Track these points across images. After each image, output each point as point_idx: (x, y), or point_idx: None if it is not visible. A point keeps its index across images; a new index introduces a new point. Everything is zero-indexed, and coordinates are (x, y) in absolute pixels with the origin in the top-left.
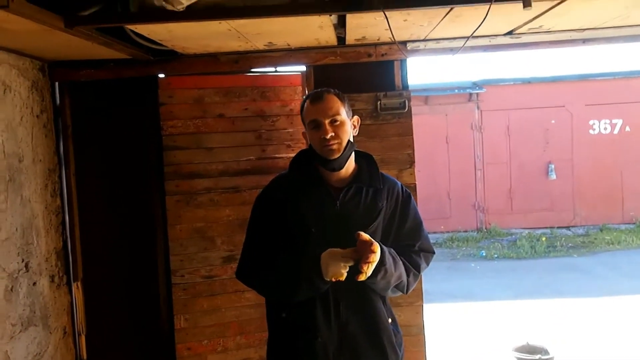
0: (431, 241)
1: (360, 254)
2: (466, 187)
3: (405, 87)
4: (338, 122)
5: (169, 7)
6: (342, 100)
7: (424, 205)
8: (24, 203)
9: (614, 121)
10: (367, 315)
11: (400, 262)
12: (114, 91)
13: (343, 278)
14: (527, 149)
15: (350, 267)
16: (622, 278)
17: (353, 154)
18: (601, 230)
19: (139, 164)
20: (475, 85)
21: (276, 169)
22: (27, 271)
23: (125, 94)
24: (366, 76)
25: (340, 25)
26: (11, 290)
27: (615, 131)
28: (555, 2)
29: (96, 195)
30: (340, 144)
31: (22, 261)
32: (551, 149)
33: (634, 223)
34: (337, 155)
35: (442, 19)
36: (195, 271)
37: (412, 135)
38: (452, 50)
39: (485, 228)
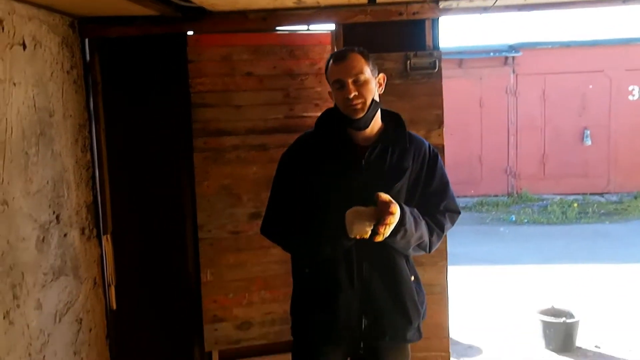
0: (460, 205)
1: (381, 214)
2: (498, 152)
3: (436, 47)
4: (362, 81)
5: None
6: (366, 58)
7: (455, 169)
8: (55, 157)
9: None
10: (389, 273)
11: (423, 223)
12: (143, 48)
13: (367, 236)
14: (563, 114)
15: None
16: None
17: (379, 112)
18: (635, 198)
19: (168, 121)
20: (512, 48)
21: (304, 127)
22: (58, 223)
23: (154, 51)
24: (396, 35)
25: None
26: (42, 240)
27: None
28: None
29: (125, 151)
30: (364, 103)
31: (53, 213)
32: (587, 114)
33: None
34: (361, 115)
35: None
36: (222, 227)
37: (441, 95)
38: (485, 9)
39: (517, 193)
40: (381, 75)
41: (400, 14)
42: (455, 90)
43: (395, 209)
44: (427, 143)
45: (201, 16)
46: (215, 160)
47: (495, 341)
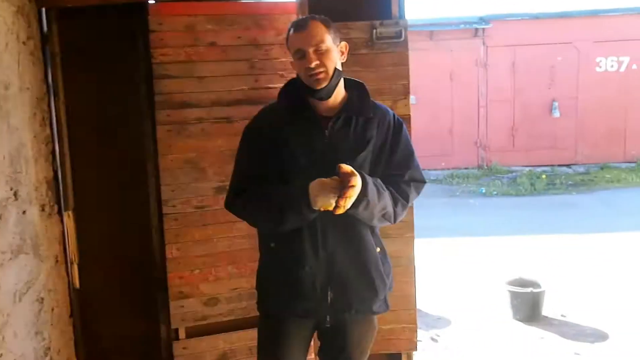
0: (431, 178)
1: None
2: (468, 125)
3: (402, 16)
4: (323, 50)
5: None
6: (327, 26)
7: (426, 142)
8: (12, 131)
9: (620, 58)
10: (354, 244)
11: (386, 193)
12: (103, 19)
13: (332, 208)
14: (532, 86)
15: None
16: (619, 216)
17: (342, 82)
18: (602, 169)
19: (130, 93)
20: (482, 20)
21: (269, 99)
22: (16, 200)
23: (115, 21)
24: (362, 4)
25: None
26: (0, 218)
27: (622, 69)
28: None
29: (86, 124)
30: (326, 72)
31: (11, 189)
32: (556, 86)
33: (635, 162)
34: (324, 85)
35: None
36: (187, 201)
37: (407, 65)
38: None
39: (486, 165)
40: (343, 43)
41: None
42: (426, 63)
43: (356, 181)
44: (391, 112)
45: None
46: (179, 133)
47: (464, 312)
